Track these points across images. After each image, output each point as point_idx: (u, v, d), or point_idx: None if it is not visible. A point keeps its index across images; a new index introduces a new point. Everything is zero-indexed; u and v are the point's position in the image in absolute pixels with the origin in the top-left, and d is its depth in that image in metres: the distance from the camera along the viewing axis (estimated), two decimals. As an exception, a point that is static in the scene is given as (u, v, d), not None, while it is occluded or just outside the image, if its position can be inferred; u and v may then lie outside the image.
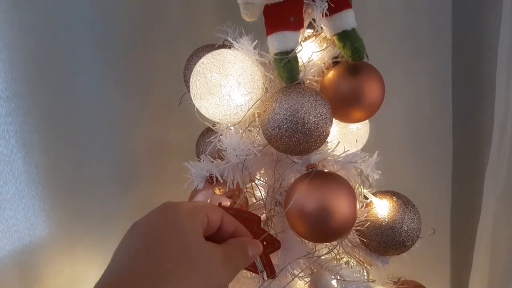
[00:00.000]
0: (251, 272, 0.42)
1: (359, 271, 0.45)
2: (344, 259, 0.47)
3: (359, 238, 0.43)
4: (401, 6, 0.64)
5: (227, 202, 0.44)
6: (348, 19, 0.38)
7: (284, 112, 0.36)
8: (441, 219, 0.71)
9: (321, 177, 0.37)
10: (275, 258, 0.43)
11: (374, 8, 0.64)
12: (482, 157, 0.67)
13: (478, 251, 0.66)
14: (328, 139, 0.41)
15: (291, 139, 0.36)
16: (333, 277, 0.42)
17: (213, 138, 0.44)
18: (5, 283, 0.54)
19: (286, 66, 0.37)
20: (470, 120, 0.71)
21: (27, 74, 0.52)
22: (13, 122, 0.52)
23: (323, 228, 0.36)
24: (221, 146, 0.42)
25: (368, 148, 0.49)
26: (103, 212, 0.61)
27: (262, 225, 0.40)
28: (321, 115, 0.36)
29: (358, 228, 0.41)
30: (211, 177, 0.43)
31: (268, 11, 0.37)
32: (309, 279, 0.43)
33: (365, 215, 0.41)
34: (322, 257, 0.42)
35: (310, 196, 0.36)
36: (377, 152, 0.46)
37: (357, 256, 0.44)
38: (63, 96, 0.55)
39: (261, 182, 0.44)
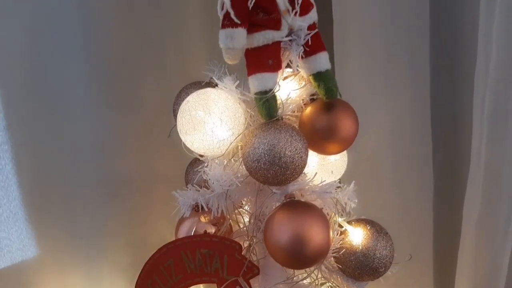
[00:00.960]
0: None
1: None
2: (324, 286, 0.49)
3: (336, 264, 0.45)
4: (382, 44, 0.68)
5: (211, 230, 0.46)
6: (322, 61, 0.42)
7: (263, 147, 0.39)
8: (423, 244, 0.74)
9: (296, 207, 0.40)
10: (255, 283, 0.45)
11: (354, 44, 0.68)
12: (463, 182, 0.70)
13: (460, 277, 0.69)
14: (307, 170, 0.44)
15: (269, 171, 0.39)
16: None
17: (200, 168, 0.47)
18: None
19: (265, 104, 0.41)
20: (449, 148, 0.74)
21: (20, 106, 0.56)
22: (9, 150, 0.56)
23: (297, 256, 0.39)
24: (206, 177, 0.45)
25: (347, 177, 0.52)
26: (92, 234, 0.64)
27: (243, 252, 0.43)
28: (296, 149, 0.39)
29: (334, 254, 0.44)
30: (197, 205, 0.46)
31: (249, 54, 0.41)
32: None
33: (340, 242, 0.44)
34: (301, 282, 0.44)
35: (285, 226, 0.39)
36: (353, 182, 0.49)
37: (334, 282, 0.46)
38: (55, 125, 0.59)
39: (244, 210, 0.47)
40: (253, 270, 0.41)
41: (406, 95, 0.70)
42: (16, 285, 0.61)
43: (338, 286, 0.47)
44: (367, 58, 0.69)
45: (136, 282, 0.47)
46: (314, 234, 0.39)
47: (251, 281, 0.43)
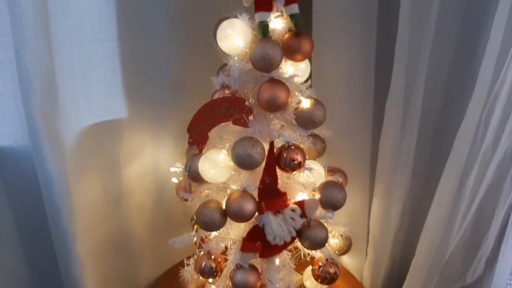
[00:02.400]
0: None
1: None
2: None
3: (293, 118, 0.86)
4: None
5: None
6: (293, 8, 0.80)
7: (259, 50, 0.78)
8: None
9: (273, 81, 0.80)
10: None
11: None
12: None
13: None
14: (285, 70, 0.84)
15: (260, 62, 0.78)
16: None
17: (227, 67, 0.87)
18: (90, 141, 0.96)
19: (263, 28, 0.80)
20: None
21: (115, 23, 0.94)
22: (107, 50, 0.94)
23: (272, 104, 0.79)
24: (229, 69, 0.85)
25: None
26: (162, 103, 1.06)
27: (246, 103, 0.82)
28: (276, 52, 0.77)
29: (293, 111, 0.84)
30: (224, 83, 0.86)
31: (256, 1, 0.79)
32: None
33: (296, 105, 0.84)
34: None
35: (267, 89, 0.79)
36: (310, 81, 0.88)
37: (291, 130, 0.87)
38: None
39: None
40: (251, 111, 0.81)
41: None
42: (106, 129, 1.00)
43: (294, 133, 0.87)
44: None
45: (189, 126, 0.88)
46: (282, 94, 0.79)
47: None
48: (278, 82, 0.80)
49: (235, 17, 0.82)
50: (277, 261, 0.93)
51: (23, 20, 0.71)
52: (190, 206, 0.93)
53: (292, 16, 0.81)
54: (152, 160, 1.11)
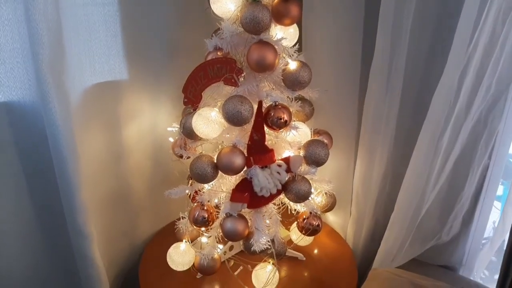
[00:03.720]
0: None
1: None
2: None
3: (281, 78, 0.92)
4: None
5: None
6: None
7: (249, 13, 0.83)
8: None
9: (262, 42, 0.86)
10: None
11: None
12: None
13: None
14: (274, 33, 0.90)
15: (250, 24, 0.84)
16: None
17: (220, 31, 0.93)
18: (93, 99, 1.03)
19: (253, -6, 0.85)
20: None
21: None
22: (108, 14, 1.00)
23: (261, 64, 0.86)
24: (222, 32, 0.91)
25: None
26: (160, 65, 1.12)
27: (237, 64, 0.89)
28: (264, 14, 0.83)
29: (280, 72, 0.91)
30: (216, 46, 0.92)
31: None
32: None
33: (283, 66, 0.90)
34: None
35: (256, 49, 0.85)
36: (298, 46, 0.94)
37: (279, 92, 0.93)
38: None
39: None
40: (241, 71, 0.88)
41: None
42: (108, 89, 1.07)
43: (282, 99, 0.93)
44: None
45: (184, 87, 0.94)
46: (270, 55, 0.85)
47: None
48: (266, 44, 0.87)
49: (227, -19, 0.88)
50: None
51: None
52: (186, 165, 1.00)
53: (281, -17, 0.87)
54: (151, 120, 1.19)
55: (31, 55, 0.81)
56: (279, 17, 0.89)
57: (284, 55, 0.92)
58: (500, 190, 1.26)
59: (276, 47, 0.88)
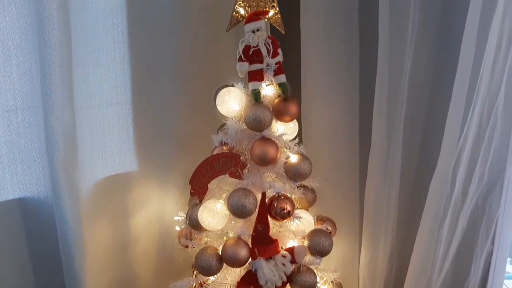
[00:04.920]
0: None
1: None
2: None
3: (283, 172, 0.97)
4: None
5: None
6: (281, 78, 0.94)
7: (252, 113, 0.91)
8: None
9: (264, 140, 0.92)
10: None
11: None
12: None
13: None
14: (276, 129, 0.96)
15: (253, 123, 0.91)
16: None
17: (225, 126, 0.99)
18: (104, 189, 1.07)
19: (255, 95, 0.93)
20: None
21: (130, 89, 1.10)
22: (122, 112, 1.09)
23: (263, 159, 0.91)
24: (227, 129, 0.97)
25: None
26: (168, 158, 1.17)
27: (242, 158, 0.94)
28: (266, 115, 0.91)
29: (283, 166, 0.95)
30: (222, 141, 0.98)
31: (249, 73, 0.93)
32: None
33: (285, 160, 0.95)
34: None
35: (259, 146, 0.91)
36: (297, 139, 1.01)
37: (281, 183, 0.97)
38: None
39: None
40: (245, 165, 0.93)
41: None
42: (120, 190, 1.14)
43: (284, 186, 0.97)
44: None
45: (191, 179, 0.99)
46: (272, 150, 0.91)
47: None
48: (268, 140, 0.93)
49: (232, 85, 0.96)
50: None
51: (52, 89, 0.85)
52: (192, 254, 1.02)
53: (280, 85, 0.95)
54: (158, 209, 1.22)
55: (47, 157, 0.87)
56: (280, 115, 0.96)
57: (285, 148, 0.98)
58: (510, 268, 1.24)
59: (277, 142, 0.94)
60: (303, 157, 0.97)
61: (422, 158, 1.09)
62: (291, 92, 0.96)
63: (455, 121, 0.92)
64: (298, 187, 1.00)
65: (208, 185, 0.97)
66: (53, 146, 0.86)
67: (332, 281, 1.09)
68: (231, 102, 0.94)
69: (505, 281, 1.21)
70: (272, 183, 0.97)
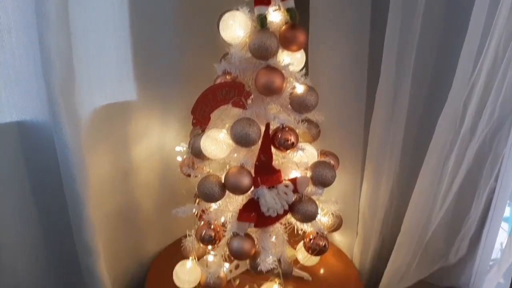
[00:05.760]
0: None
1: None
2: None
3: (288, 103, 0.94)
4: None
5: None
6: (289, 3, 0.88)
7: (258, 39, 0.86)
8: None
9: (269, 68, 0.88)
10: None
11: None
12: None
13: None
14: (282, 59, 0.92)
15: (259, 50, 0.86)
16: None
17: (228, 55, 0.95)
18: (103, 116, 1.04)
19: (261, 20, 0.87)
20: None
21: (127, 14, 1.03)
22: (120, 39, 1.04)
23: (268, 88, 0.88)
24: (230, 57, 0.93)
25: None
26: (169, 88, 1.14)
27: (246, 88, 0.91)
28: (272, 41, 0.86)
29: (288, 96, 0.92)
30: (225, 70, 0.95)
31: (255, -2, 0.87)
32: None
33: (291, 90, 0.92)
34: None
35: (264, 74, 0.88)
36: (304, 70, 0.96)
37: (285, 114, 0.95)
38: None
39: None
40: (249, 94, 0.90)
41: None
42: (120, 119, 1.12)
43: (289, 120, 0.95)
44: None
45: (193, 108, 0.96)
46: (277, 79, 0.87)
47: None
48: (274, 69, 0.89)
49: (237, 10, 0.90)
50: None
51: (46, 7, 0.80)
52: (194, 184, 1.02)
53: (288, 10, 0.89)
54: (159, 140, 1.21)
55: (43, 78, 0.84)
56: (287, 43, 0.91)
57: (291, 79, 0.94)
58: (507, 212, 1.26)
59: (284, 71, 0.90)
60: (310, 88, 0.94)
61: (432, 94, 1.05)
62: (299, 20, 0.91)
63: (469, 53, 0.88)
64: (302, 121, 0.98)
65: (211, 115, 0.94)
66: (49, 66, 0.83)
67: (332, 213, 1.11)
68: (235, 27, 0.89)
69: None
70: (277, 114, 0.95)
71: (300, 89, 0.93)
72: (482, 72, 0.87)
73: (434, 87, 1.04)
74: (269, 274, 1.01)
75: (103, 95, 1.04)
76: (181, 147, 1.09)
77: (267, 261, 0.95)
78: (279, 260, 0.98)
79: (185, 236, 1.08)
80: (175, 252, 1.20)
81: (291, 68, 0.92)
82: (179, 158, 1.10)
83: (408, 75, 1.00)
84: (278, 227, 1.01)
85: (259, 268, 0.96)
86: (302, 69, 0.99)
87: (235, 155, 0.99)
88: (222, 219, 1.04)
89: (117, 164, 1.12)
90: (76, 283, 1.10)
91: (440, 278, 1.24)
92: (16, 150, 0.94)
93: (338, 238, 1.34)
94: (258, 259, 0.95)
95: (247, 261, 1.01)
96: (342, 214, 1.13)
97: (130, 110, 1.12)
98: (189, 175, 1.03)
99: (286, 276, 1.03)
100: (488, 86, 0.89)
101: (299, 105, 0.93)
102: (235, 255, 0.96)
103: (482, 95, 0.90)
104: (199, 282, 1.08)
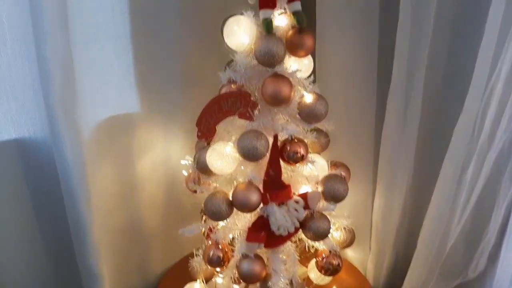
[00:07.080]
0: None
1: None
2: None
3: (297, 112, 0.89)
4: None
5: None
6: (295, 6, 0.84)
7: (263, 46, 0.81)
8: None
9: (276, 76, 0.84)
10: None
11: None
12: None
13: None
14: (289, 65, 0.88)
15: (265, 57, 0.82)
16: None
17: (233, 62, 0.91)
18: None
19: (267, 25, 0.83)
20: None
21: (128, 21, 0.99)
22: (121, 47, 0.99)
23: (275, 99, 0.83)
24: (235, 65, 0.89)
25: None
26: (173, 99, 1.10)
27: (252, 98, 0.86)
28: (279, 48, 0.81)
29: (296, 105, 0.88)
30: (230, 79, 0.90)
31: (260, 0, 0.83)
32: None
33: (299, 99, 0.87)
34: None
35: (270, 83, 0.83)
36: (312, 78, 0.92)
37: (294, 124, 0.90)
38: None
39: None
40: (256, 104, 0.85)
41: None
42: (124, 132, 1.08)
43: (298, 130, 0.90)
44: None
45: (198, 120, 0.91)
46: (285, 88, 0.83)
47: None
48: (281, 77, 0.84)
49: (241, 14, 0.86)
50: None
51: (43, 13, 0.76)
52: (200, 198, 0.97)
53: (295, 13, 0.85)
54: (163, 153, 1.16)
55: (42, 91, 0.80)
56: (294, 49, 0.87)
57: (299, 87, 0.90)
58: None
59: (291, 79, 0.86)
60: (319, 96, 0.89)
61: (446, 100, 1.01)
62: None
63: (487, 54, 0.83)
64: (311, 130, 0.93)
65: (216, 127, 0.90)
66: (48, 81, 0.78)
67: (344, 228, 1.06)
68: (240, 33, 0.85)
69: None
70: (285, 125, 0.90)
71: (309, 98, 0.88)
72: (500, 76, 0.83)
73: (448, 93, 0.99)
74: (280, 297, 0.95)
75: (105, 107, 1.00)
76: (186, 161, 1.05)
77: (279, 285, 0.89)
78: (291, 282, 0.92)
79: (192, 254, 1.03)
80: (182, 272, 1.14)
81: (298, 74, 0.88)
82: (185, 172, 1.06)
83: (420, 78, 0.95)
84: (289, 245, 0.96)
85: (270, 291, 0.91)
86: (309, 76, 0.94)
87: (242, 167, 0.94)
88: (230, 236, 0.99)
89: (121, 180, 1.08)
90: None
91: (459, 295, 1.18)
92: (16, 170, 0.90)
93: (350, 253, 1.28)
94: (269, 283, 0.90)
95: (258, 284, 0.95)
96: (354, 228, 1.08)
97: (134, 122, 1.08)
98: (195, 191, 0.98)
99: (298, 297, 0.97)
100: (507, 89, 0.84)
101: (308, 115, 0.88)
102: (244, 278, 0.91)
103: (501, 98, 0.85)
104: (208, 305, 1.02)
